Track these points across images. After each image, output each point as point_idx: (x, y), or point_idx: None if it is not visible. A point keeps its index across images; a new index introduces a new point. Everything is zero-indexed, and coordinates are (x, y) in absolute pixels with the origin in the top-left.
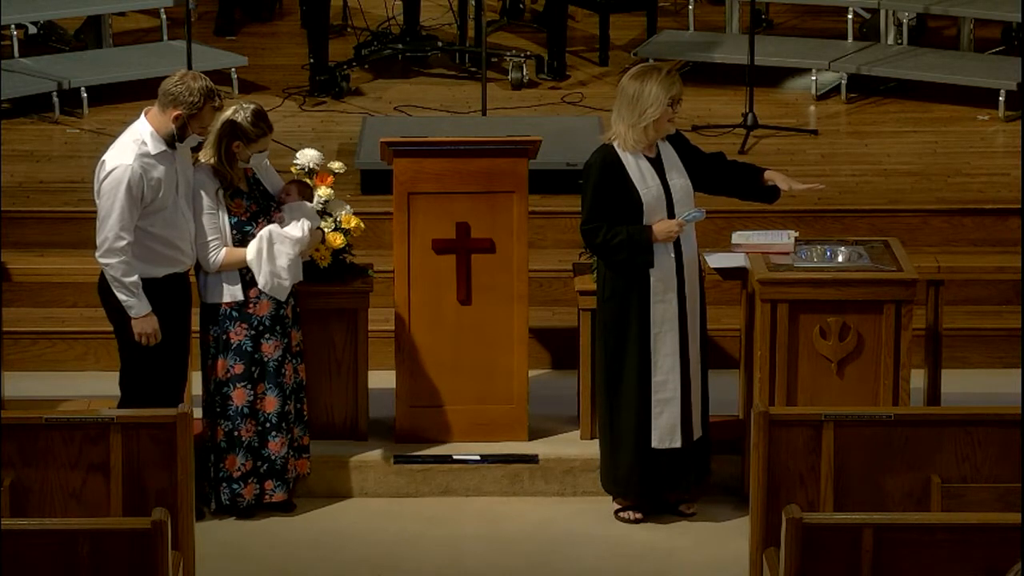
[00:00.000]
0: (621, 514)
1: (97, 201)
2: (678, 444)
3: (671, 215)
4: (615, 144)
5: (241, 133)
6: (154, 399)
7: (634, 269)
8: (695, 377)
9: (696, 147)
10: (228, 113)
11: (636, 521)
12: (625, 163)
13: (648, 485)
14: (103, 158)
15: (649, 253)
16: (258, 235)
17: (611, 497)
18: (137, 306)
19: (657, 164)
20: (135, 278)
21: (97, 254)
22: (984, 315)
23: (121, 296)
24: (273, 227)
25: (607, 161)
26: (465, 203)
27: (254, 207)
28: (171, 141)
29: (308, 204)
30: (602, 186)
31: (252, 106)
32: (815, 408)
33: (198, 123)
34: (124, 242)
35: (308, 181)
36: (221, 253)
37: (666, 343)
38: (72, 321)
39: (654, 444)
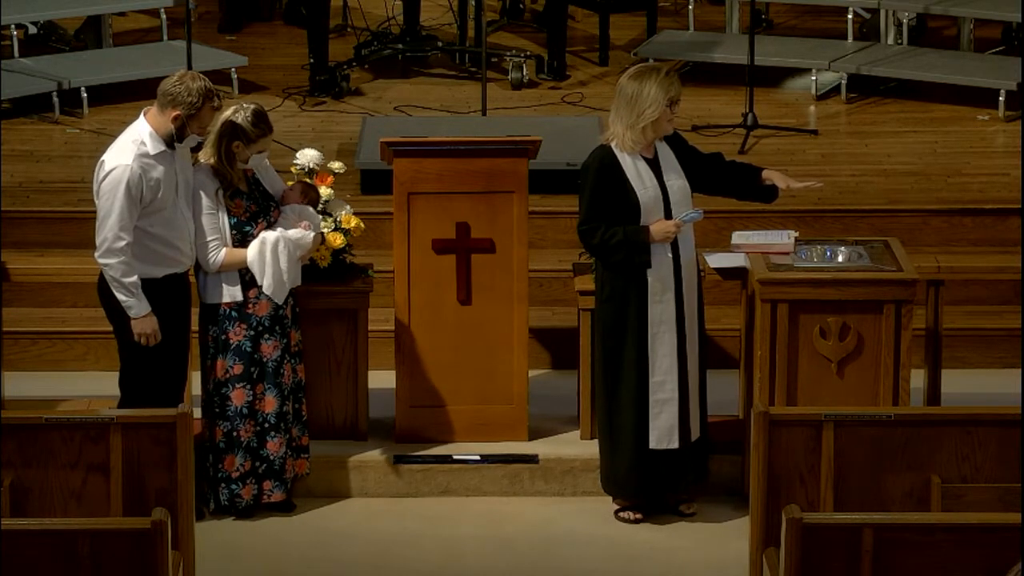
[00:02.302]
0: (621, 514)
1: (96, 201)
2: (676, 445)
3: (668, 216)
4: (613, 144)
5: (241, 133)
6: (154, 399)
7: (632, 269)
8: (693, 378)
9: (694, 148)
10: (228, 113)
11: (636, 521)
12: (623, 163)
13: (647, 486)
14: (102, 158)
15: (646, 253)
16: (260, 237)
17: (611, 497)
18: (136, 306)
19: (655, 165)
20: (134, 278)
21: (96, 254)
22: (984, 315)
23: (120, 296)
24: (277, 231)
25: (604, 162)
26: (465, 203)
27: (254, 207)
28: (170, 141)
29: (310, 208)
30: (600, 187)
31: (252, 106)
32: (815, 408)
33: (197, 123)
34: (123, 242)
35: (308, 181)
36: (221, 253)
37: (664, 344)
38: (72, 321)
39: (652, 445)
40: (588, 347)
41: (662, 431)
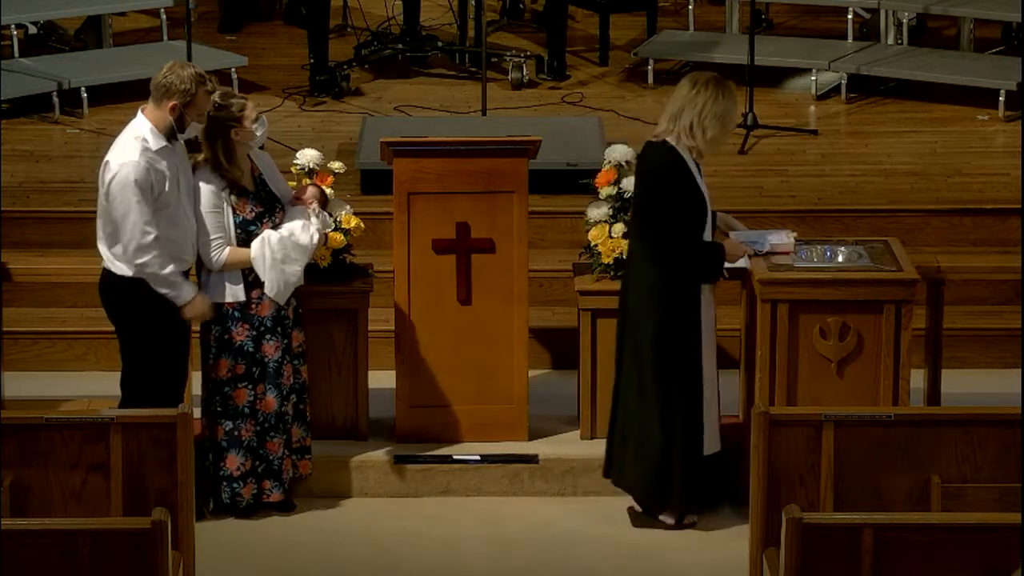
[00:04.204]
0: (686, 520)
1: (103, 203)
2: (719, 447)
3: (712, 219)
4: (675, 145)
5: (227, 117)
6: (155, 399)
7: (703, 281)
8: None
9: None
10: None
11: (692, 524)
12: (687, 161)
13: (707, 489)
14: (106, 159)
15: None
16: (263, 238)
17: (659, 510)
18: (182, 294)
19: (697, 168)
20: (171, 267)
21: (127, 257)
22: (984, 315)
23: (163, 290)
24: (280, 232)
25: (677, 160)
26: (465, 203)
27: (259, 207)
28: (171, 134)
29: (318, 209)
30: (677, 186)
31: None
32: (815, 408)
33: (195, 110)
34: (151, 236)
35: (320, 185)
36: (225, 252)
37: (708, 350)
38: (72, 321)
39: (706, 451)
40: (588, 347)
41: (711, 435)
